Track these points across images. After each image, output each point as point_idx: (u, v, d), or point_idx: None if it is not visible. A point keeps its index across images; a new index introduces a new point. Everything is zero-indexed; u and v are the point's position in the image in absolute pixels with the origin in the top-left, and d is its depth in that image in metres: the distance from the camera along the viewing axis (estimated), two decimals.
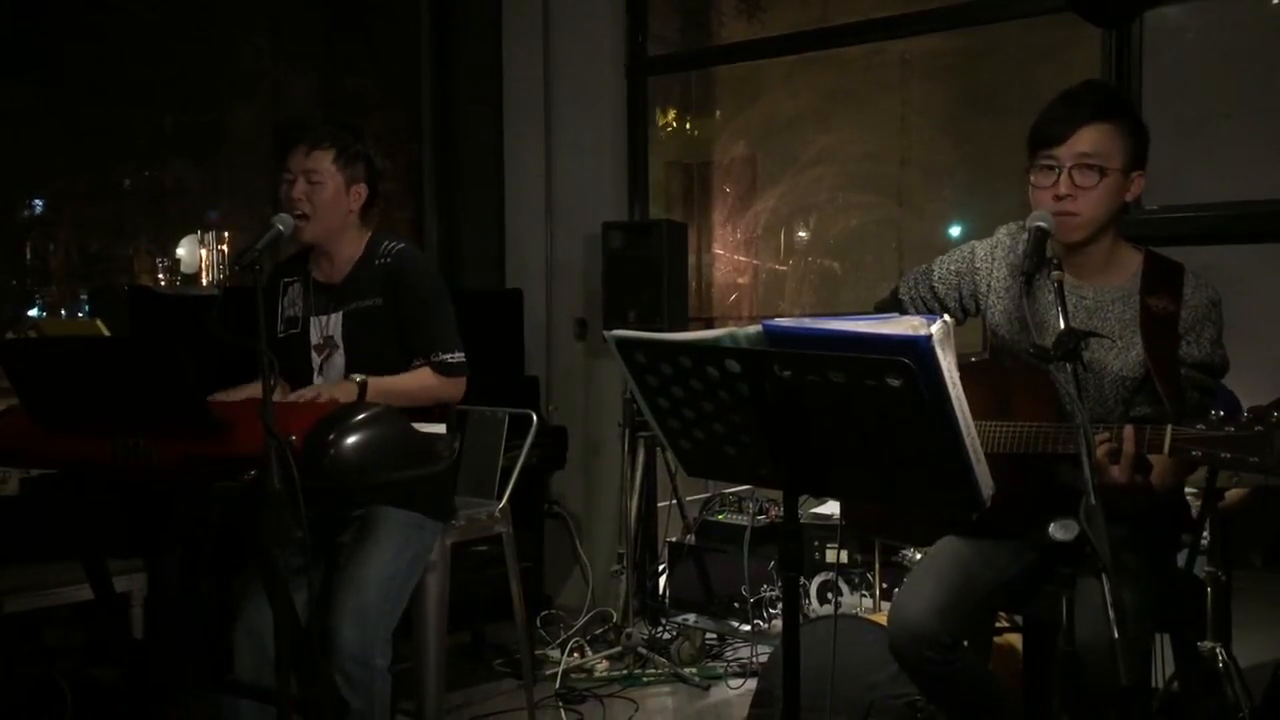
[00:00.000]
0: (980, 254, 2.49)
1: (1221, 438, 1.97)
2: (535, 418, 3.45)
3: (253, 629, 2.61)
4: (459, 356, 2.80)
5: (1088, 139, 2.25)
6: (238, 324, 2.06)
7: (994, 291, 2.46)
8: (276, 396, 2.77)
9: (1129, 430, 2.06)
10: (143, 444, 2.15)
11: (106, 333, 3.47)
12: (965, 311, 2.53)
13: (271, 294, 2.91)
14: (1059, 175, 2.26)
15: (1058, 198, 2.25)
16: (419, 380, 2.75)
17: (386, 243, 2.84)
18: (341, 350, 2.80)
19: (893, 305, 2.60)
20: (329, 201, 2.76)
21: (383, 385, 2.66)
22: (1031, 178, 2.31)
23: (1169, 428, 2.02)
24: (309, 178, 2.74)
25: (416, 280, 2.79)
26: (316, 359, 2.82)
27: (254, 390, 2.76)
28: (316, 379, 2.81)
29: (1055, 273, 2.11)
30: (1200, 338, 2.27)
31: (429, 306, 2.78)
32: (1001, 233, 2.50)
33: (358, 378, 2.64)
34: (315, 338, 2.82)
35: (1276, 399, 1.96)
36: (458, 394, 2.83)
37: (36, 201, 4.64)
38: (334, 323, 2.81)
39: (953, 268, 2.52)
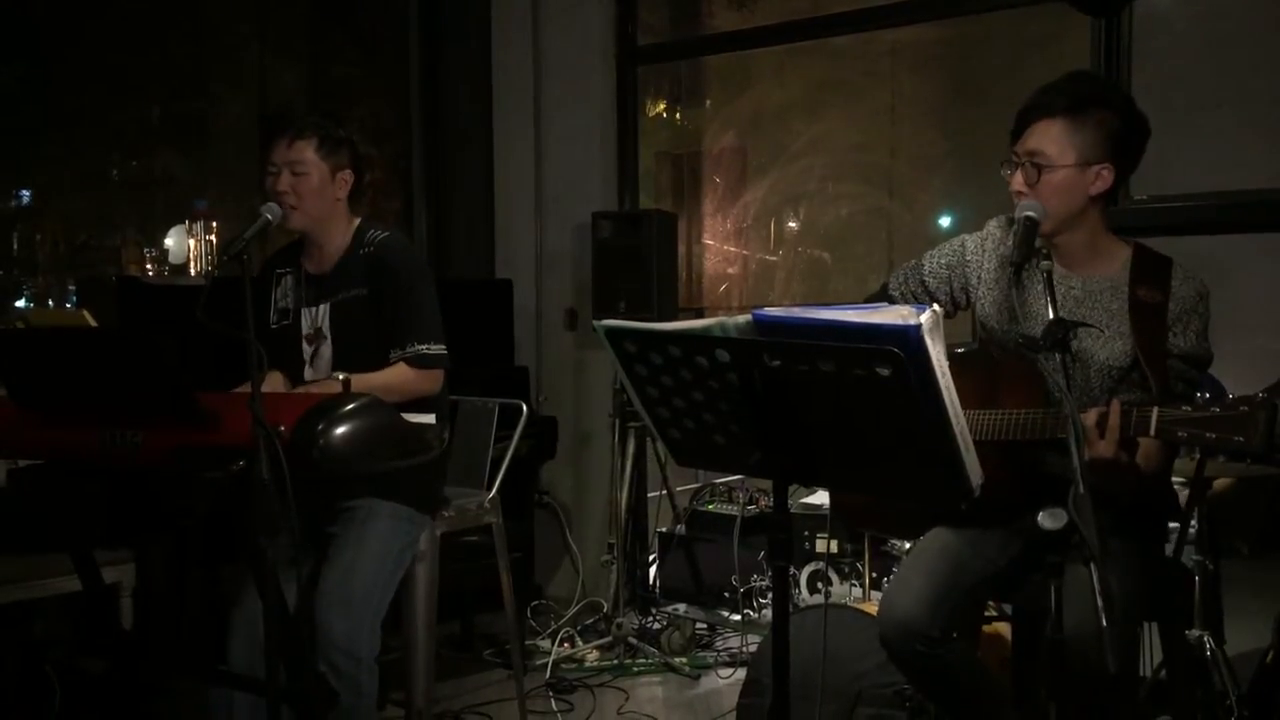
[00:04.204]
0: (970, 247, 2.50)
1: (1207, 418, 1.98)
2: (525, 408, 3.44)
3: (245, 620, 2.61)
4: (437, 349, 2.78)
5: (1037, 135, 2.29)
6: (226, 314, 2.05)
7: (984, 283, 2.47)
8: (279, 385, 2.79)
9: (1115, 403, 2.07)
10: (130, 435, 2.14)
11: (93, 323, 3.46)
12: (956, 305, 2.54)
13: (264, 283, 2.92)
14: (1015, 171, 2.31)
15: (1013, 192, 2.31)
16: (395, 377, 2.74)
17: (371, 231, 2.85)
18: (329, 342, 2.80)
19: (882, 300, 2.60)
20: (315, 190, 2.77)
21: (364, 382, 2.64)
22: (1004, 171, 2.36)
23: (1155, 409, 2.04)
24: (293, 169, 2.75)
25: (397, 268, 2.78)
26: (307, 349, 2.82)
27: (271, 386, 2.77)
28: (307, 371, 2.82)
29: (1045, 263, 2.11)
30: (1187, 330, 2.28)
31: (407, 295, 2.77)
32: (991, 225, 2.50)
33: (340, 375, 2.64)
34: (306, 328, 2.83)
35: (1264, 388, 1.97)
36: (434, 388, 2.81)
37: (23, 192, 4.62)
38: (322, 314, 2.82)
39: (943, 261, 2.53)
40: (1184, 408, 2.01)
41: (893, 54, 6.49)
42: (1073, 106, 2.26)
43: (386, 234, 2.85)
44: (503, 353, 4.91)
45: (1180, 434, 2.01)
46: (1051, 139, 2.27)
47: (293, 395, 2.67)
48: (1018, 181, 2.30)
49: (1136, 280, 2.32)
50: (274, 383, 2.81)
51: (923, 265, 2.56)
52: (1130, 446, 2.12)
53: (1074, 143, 2.26)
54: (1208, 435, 1.98)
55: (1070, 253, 2.37)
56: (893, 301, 2.57)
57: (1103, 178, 2.29)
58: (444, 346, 2.79)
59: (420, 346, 2.76)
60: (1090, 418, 2.07)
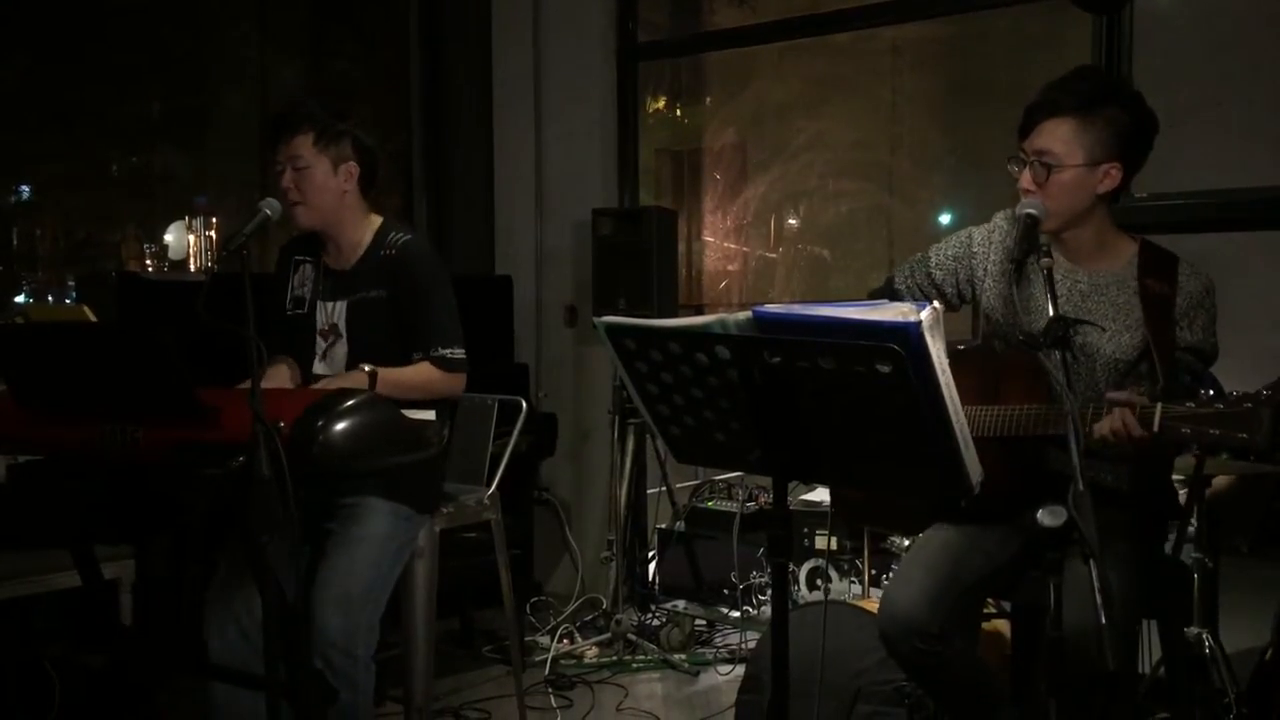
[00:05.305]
0: (977, 239, 2.51)
1: (1211, 415, 1.98)
2: (525, 404, 3.44)
3: (242, 615, 2.61)
4: (459, 352, 2.78)
5: (1047, 134, 2.27)
6: (226, 310, 2.05)
7: (990, 275, 2.47)
8: (287, 379, 2.79)
9: (1128, 412, 2.06)
10: (130, 430, 2.14)
11: (93, 318, 3.46)
12: (962, 298, 2.54)
13: (282, 269, 2.92)
14: (1024, 169, 2.29)
15: (1022, 190, 2.30)
16: (422, 375, 2.75)
17: (394, 233, 2.83)
18: (344, 340, 2.79)
19: (888, 293, 2.60)
20: (319, 185, 2.75)
21: (391, 376, 2.66)
22: (1011, 167, 2.35)
23: (1158, 405, 2.04)
24: (294, 164, 2.74)
25: (419, 272, 2.78)
26: (321, 344, 2.82)
27: (277, 377, 2.77)
28: (319, 364, 2.81)
29: (1045, 260, 2.11)
30: (1194, 324, 2.29)
31: (430, 300, 2.77)
32: (999, 218, 2.51)
33: (367, 368, 2.64)
34: (320, 323, 2.82)
35: (1265, 384, 1.97)
36: (458, 389, 2.82)
37: (23, 187, 4.62)
38: (339, 311, 2.81)
39: (950, 253, 2.53)
40: (1187, 404, 2.01)
41: (893, 51, 6.49)
42: (1083, 105, 2.25)
43: (408, 237, 2.83)
44: (502, 349, 4.91)
45: (1184, 430, 2.01)
46: (1059, 138, 2.26)
47: (294, 392, 2.67)
48: (1026, 180, 2.29)
49: (1144, 275, 2.32)
50: (281, 372, 2.80)
51: (929, 258, 2.56)
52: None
53: (1083, 142, 2.25)
54: (1211, 432, 1.98)
55: (1077, 248, 2.38)
56: (899, 294, 2.58)
57: (1111, 176, 2.28)
58: (464, 351, 2.80)
59: (444, 350, 2.76)
60: (1104, 427, 2.07)
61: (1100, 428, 2.08)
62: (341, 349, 2.79)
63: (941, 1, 4.40)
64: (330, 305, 2.82)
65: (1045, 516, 1.81)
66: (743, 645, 4.19)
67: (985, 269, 2.48)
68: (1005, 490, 2.14)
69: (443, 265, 2.87)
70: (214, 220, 4.83)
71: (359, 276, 2.81)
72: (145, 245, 4.85)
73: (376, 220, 2.87)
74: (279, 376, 2.79)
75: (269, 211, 2.45)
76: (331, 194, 2.78)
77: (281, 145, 2.76)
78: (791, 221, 7.19)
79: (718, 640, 4.35)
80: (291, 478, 1.97)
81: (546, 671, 3.97)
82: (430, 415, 2.77)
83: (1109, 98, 2.28)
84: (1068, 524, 1.77)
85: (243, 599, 2.62)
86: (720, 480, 4.77)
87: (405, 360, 2.76)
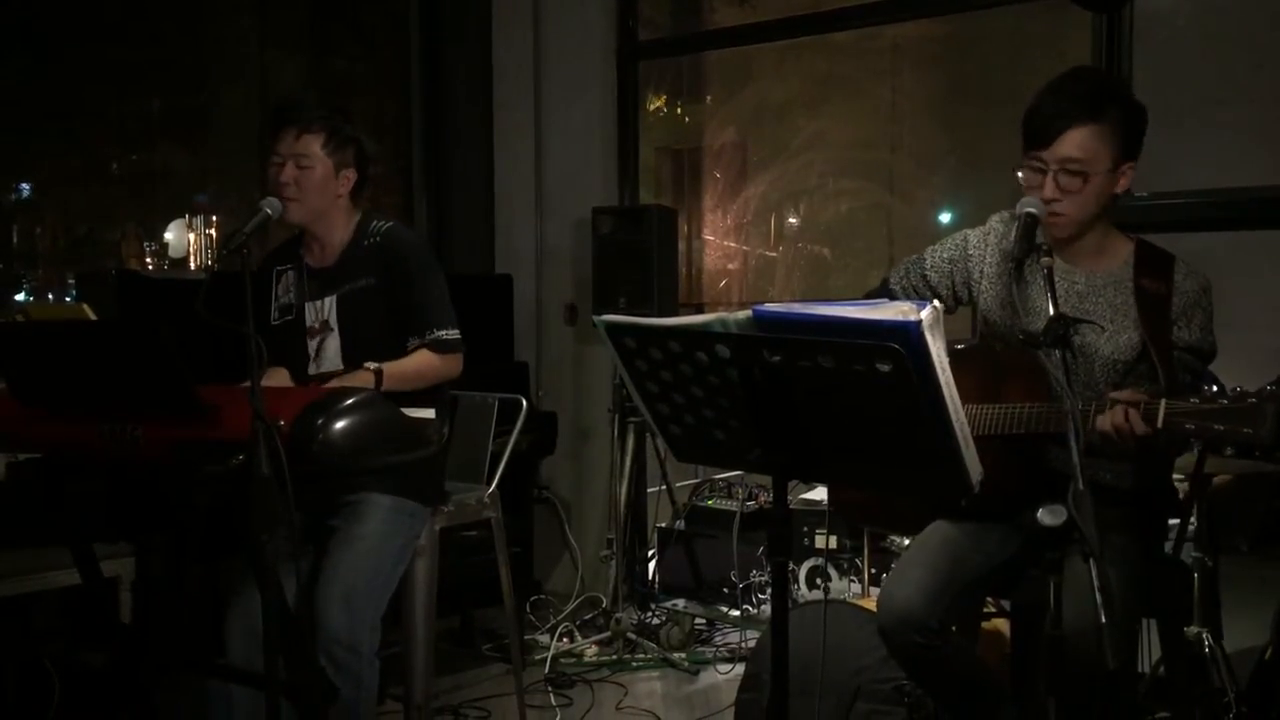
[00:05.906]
0: (973, 241, 2.50)
1: (1215, 410, 1.98)
2: (525, 403, 3.44)
3: (245, 614, 2.61)
4: (454, 333, 2.80)
5: (1073, 143, 2.23)
6: (226, 308, 2.05)
7: (986, 277, 2.47)
8: (286, 377, 2.79)
9: (1134, 412, 2.06)
10: (130, 428, 2.14)
11: (93, 316, 3.46)
12: (958, 300, 2.53)
13: (264, 281, 2.91)
14: (1045, 178, 2.26)
15: (1045, 200, 2.26)
16: (421, 362, 2.76)
17: (375, 222, 2.84)
18: (336, 333, 2.79)
19: (883, 295, 2.60)
20: (317, 185, 2.75)
21: (395, 371, 2.67)
22: (1021, 174, 2.31)
23: (1162, 401, 2.04)
24: (298, 162, 2.74)
25: (407, 257, 2.79)
26: (311, 344, 2.81)
27: (277, 376, 2.77)
28: (312, 366, 2.81)
29: (1045, 259, 2.11)
30: (1191, 323, 2.29)
31: (421, 283, 2.78)
32: (994, 220, 2.50)
33: (372, 365, 2.64)
34: (310, 321, 2.82)
35: (1270, 381, 1.97)
36: (457, 371, 2.83)
37: (23, 185, 4.62)
38: (328, 306, 2.81)
39: (945, 255, 2.53)
40: (1191, 400, 2.01)
41: (894, 50, 6.49)
42: (1096, 110, 2.23)
43: (390, 224, 2.85)
44: (502, 348, 4.91)
45: (1188, 426, 2.01)
46: (1084, 146, 2.23)
47: (294, 390, 2.67)
48: (1050, 189, 2.25)
49: (1140, 275, 2.31)
50: (281, 372, 2.80)
51: (924, 260, 2.56)
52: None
53: (1108, 146, 2.24)
54: (1215, 427, 1.98)
55: (1078, 250, 2.37)
56: (894, 296, 2.57)
57: (1127, 175, 2.29)
58: (459, 331, 2.80)
59: (440, 333, 2.77)
60: (1105, 422, 2.07)
61: (1102, 422, 2.08)
62: (333, 343, 2.79)
63: (942, 0, 4.40)
64: (319, 303, 2.82)
65: (1045, 516, 1.81)
66: (742, 644, 4.19)
67: (982, 271, 2.47)
68: (1005, 489, 2.14)
69: (429, 248, 2.89)
70: (214, 219, 4.83)
71: (346, 268, 2.82)
72: (145, 243, 4.84)
73: (357, 215, 2.88)
74: (279, 376, 2.79)
75: (269, 210, 2.45)
76: (327, 196, 2.79)
77: (288, 139, 2.75)
78: (791, 220, 7.19)
79: (717, 639, 4.35)
80: (291, 476, 1.97)
81: (546, 670, 3.97)
82: (430, 413, 2.77)
83: (1111, 97, 2.28)
84: (1068, 523, 1.77)
85: (254, 597, 2.62)
86: (720, 479, 4.77)
87: (400, 347, 2.76)
